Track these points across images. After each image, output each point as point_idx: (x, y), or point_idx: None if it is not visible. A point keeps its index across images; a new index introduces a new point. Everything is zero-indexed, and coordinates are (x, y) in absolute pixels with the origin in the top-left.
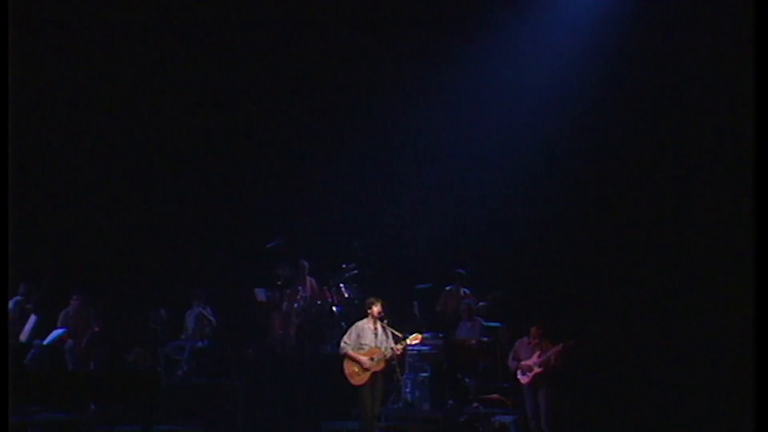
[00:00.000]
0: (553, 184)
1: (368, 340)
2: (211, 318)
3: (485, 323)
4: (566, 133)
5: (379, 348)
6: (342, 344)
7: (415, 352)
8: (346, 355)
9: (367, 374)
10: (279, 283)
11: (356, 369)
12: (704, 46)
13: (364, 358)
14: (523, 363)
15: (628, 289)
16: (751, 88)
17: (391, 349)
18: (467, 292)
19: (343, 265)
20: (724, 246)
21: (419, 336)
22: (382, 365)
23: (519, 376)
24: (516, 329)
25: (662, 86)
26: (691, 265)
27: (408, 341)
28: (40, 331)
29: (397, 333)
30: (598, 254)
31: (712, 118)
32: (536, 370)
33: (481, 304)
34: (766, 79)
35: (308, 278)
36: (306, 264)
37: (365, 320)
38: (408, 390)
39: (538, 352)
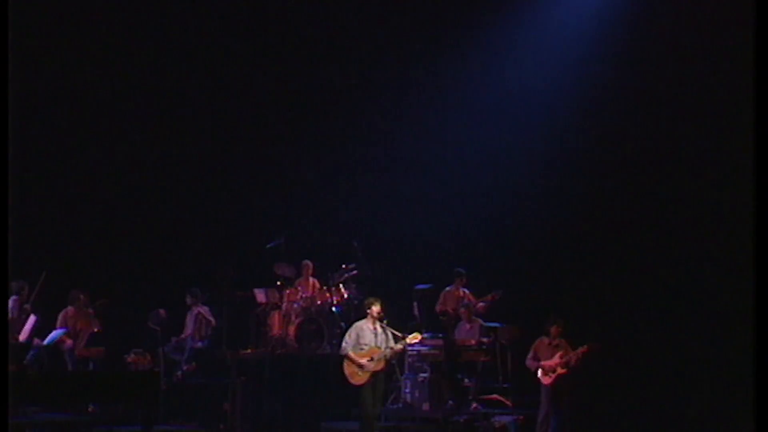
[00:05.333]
0: (553, 184)
1: (368, 340)
2: (210, 318)
3: (485, 324)
4: (567, 134)
5: (379, 348)
6: (343, 345)
7: (414, 352)
8: (346, 356)
9: (367, 374)
10: (279, 283)
11: (356, 369)
12: (704, 47)
13: (363, 360)
14: (545, 363)
15: (630, 288)
16: (751, 88)
17: (391, 348)
18: (467, 292)
19: (343, 265)
20: (723, 243)
21: (418, 335)
22: (381, 365)
23: (540, 377)
24: (517, 328)
25: (663, 87)
26: (694, 264)
27: (408, 340)
28: (39, 331)
29: (396, 333)
30: (597, 254)
31: (713, 118)
32: (560, 371)
33: (480, 304)
34: (766, 79)
35: (311, 278)
36: (310, 264)
37: (364, 320)
38: (408, 390)
39: (560, 353)
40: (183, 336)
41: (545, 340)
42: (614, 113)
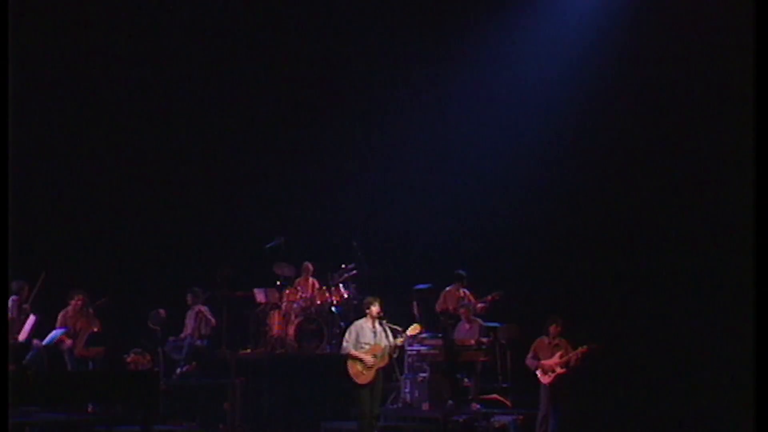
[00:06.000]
0: (553, 184)
1: (367, 338)
2: (210, 317)
3: (485, 324)
4: (567, 133)
5: (379, 345)
6: (344, 344)
7: (414, 352)
8: (349, 355)
9: (372, 371)
10: (279, 283)
11: (360, 368)
12: (704, 46)
13: (367, 356)
14: (544, 363)
15: (630, 288)
16: (751, 88)
17: (390, 343)
18: (467, 292)
19: (343, 265)
20: (723, 243)
21: (418, 326)
22: (385, 360)
23: (540, 376)
24: (516, 328)
25: (663, 87)
26: (694, 264)
27: (408, 332)
28: (39, 331)
29: (395, 327)
30: (597, 254)
31: (713, 117)
32: (559, 370)
33: (480, 305)
34: (766, 79)
35: (310, 278)
36: (310, 266)
37: (363, 320)
38: (407, 390)
39: (560, 353)
40: (182, 335)
41: (545, 339)
42: (614, 113)
